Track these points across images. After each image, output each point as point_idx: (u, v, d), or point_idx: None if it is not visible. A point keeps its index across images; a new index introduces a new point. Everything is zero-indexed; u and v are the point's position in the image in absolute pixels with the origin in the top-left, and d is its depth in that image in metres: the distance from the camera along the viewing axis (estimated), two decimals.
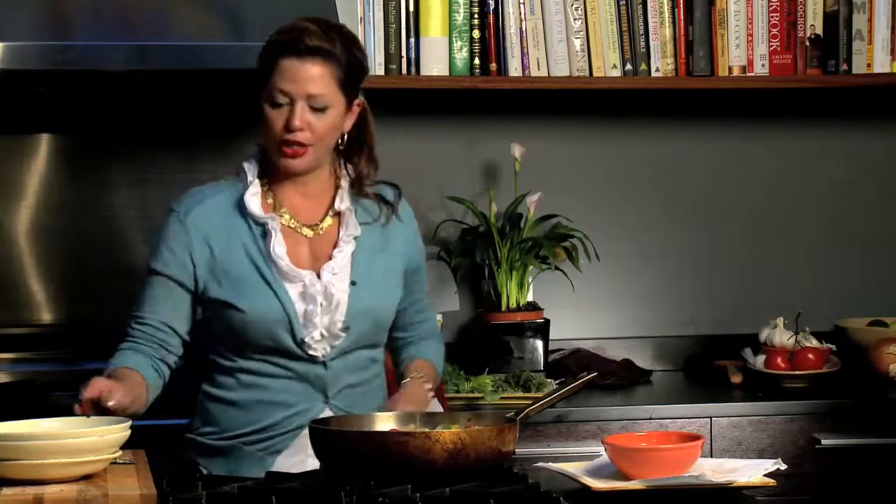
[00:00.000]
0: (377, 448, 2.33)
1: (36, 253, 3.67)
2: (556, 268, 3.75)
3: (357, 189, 2.77)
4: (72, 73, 3.15)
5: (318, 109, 2.66)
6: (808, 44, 3.80)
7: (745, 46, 3.77)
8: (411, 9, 3.65)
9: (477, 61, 3.69)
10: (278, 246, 2.68)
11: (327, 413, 2.67)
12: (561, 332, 3.82)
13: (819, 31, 3.79)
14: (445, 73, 3.67)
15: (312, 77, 2.64)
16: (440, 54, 3.67)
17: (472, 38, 3.69)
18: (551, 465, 2.53)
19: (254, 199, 2.71)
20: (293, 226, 2.72)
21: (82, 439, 2.14)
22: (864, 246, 4.03)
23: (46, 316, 3.67)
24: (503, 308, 3.70)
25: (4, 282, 3.66)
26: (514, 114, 3.88)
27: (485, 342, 3.70)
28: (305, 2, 3.26)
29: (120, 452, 2.22)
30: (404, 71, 3.65)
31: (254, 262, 2.68)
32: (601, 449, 2.50)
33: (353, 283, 2.70)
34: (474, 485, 2.30)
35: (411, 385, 2.75)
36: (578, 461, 2.59)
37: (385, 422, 2.53)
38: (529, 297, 3.74)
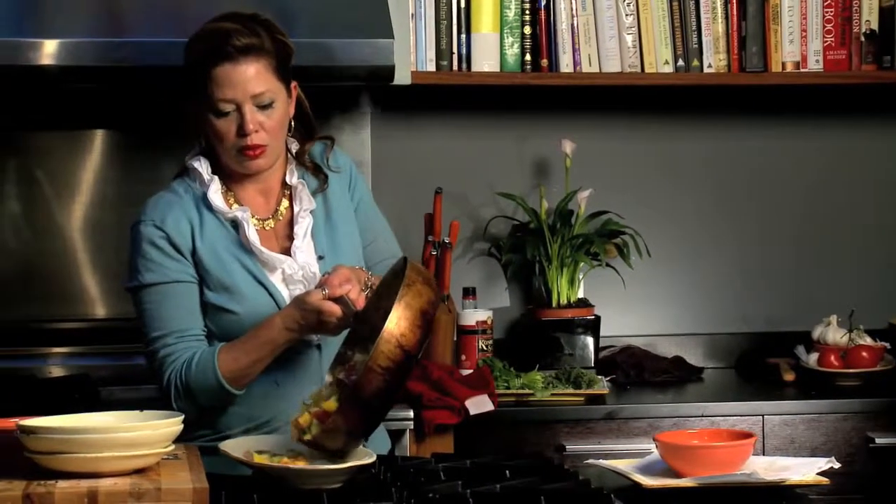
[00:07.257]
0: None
1: (90, 248, 3.70)
2: (607, 264, 3.74)
3: (299, 160, 2.71)
4: (126, 70, 3.16)
5: (266, 106, 2.59)
6: (863, 39, 3.76)
7: (799, 42, 3.75)
8: (462, 5, 3.65)
9: (528, 57, 3.68)
10: (253, 235, 2.62)
11: None
12: (612, 328, 3.81)
13: (874, 26, 3.76)
14: (496, 69, 3.67)
15: (251, 77, 2.57)
16: (491, 50, 3.66)
17: (523, 34, 3.68)
18: (602, 461, 2.52)
19: (217, 195, 2.64)
20: (256, 224, 2.65)
21: (135, 433, 2.14)
22: None
23: (100, 311, 3.70)
24: (554, 304, 3.69)
25: (59, 277, 3.68)
26: (564, 110, 3.87)
27: (535, 339, 3.69)
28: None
29: (173, 446, 2.23)
30: (455, 67, 3.65)
31: (235, 257, 2.62)
32: (652, 446, 2.49)
33: (320, 258, 2.65)
34: (525, 481, 2.30)
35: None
36: (629, 458, 2.58)
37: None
38: (580, 294, 3.73)
